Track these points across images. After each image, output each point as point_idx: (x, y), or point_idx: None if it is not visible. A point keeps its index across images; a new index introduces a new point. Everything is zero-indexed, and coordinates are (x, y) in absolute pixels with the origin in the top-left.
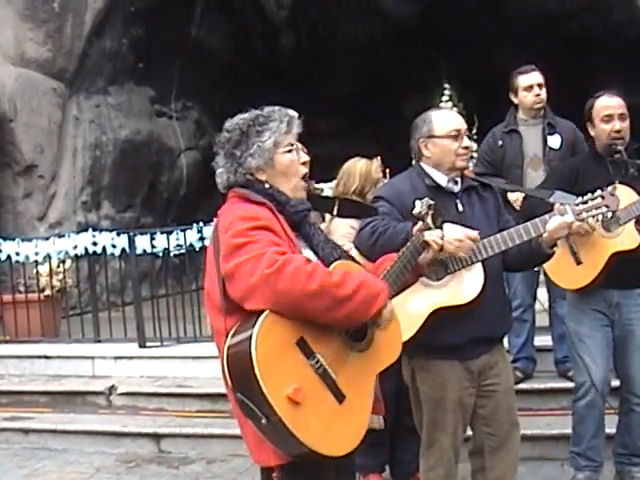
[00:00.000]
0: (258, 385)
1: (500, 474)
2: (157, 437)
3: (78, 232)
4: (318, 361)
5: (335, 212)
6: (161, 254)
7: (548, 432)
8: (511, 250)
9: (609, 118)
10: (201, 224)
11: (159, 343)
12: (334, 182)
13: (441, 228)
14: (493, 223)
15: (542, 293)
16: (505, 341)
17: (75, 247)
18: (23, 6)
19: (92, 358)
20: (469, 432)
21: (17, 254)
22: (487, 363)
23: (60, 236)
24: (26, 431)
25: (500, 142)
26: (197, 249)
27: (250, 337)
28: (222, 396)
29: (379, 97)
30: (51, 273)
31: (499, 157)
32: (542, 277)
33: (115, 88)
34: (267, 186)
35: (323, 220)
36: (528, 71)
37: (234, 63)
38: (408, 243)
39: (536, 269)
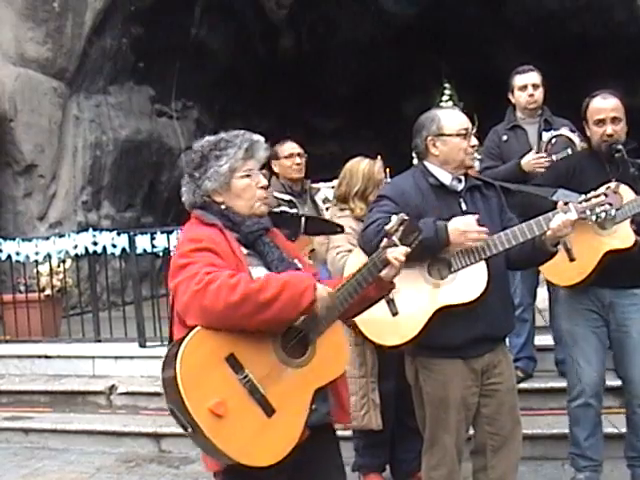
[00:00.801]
0: (181, 397)
1: (501, 473)
2: (157, 437)
3: (78, 232)
4: (247, 376)
5: (302, 230)
6: (161, 254)
7: (548, 432)
8: (514, 248)
9: (601, 122)
10: None
11: (159, 343)
12: (335, 182)
13: (411, 246)
14: (496, 222)
15: (542, 292)
16: (506, 341)
17: (75, 247)
18: (23, 6)
19: (92, 358)
20: (471, 431)
21: (17, 254)
22: (490, 362)
23: (60, 236)
24: (26, 431)
25: (505, 137)
26: None
27: (177, 352)
28: None
29: (379, 97)
30: (51, 273)
31: (506, 151)
32: (542, 276)
33: (115, 88)
34: (223, 207)
35: None
36: (525, 71)
37: (234, 63)
38: (368, 259)
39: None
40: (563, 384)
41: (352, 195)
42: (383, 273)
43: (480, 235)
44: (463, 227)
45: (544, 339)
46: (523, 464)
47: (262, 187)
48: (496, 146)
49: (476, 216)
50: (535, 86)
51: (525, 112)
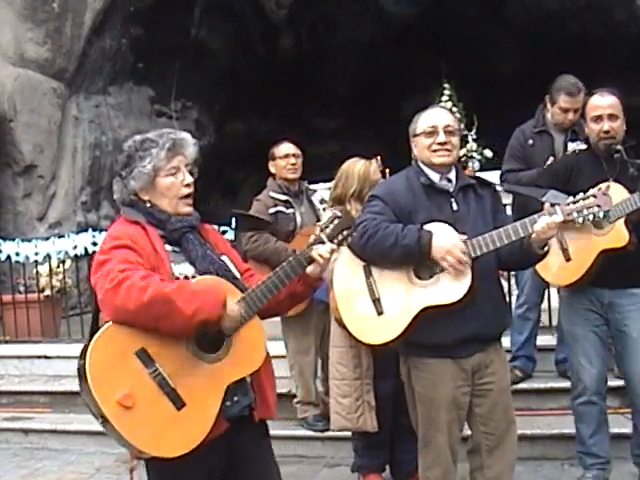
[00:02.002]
0: (89, 389)
1: (498, 472)
2: None
3: (78, 232)
4: (156, 370)
5: (233, 226)
6: None
7: (548, 432)
8: (503, 250)
9: (598, 119)
10: None
11: None
12: (332, 183)
13: (340, 243)
14: (488, 222)
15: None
16: (507, 339)
17: (75, 247)
18: (23, 6)
19: None
20: (468, 432)
21: (17, 254)
22: (482, 362)
23: (60, 236)
24: (26, 431)
25: (531, 141)
26: None
27: (87, 345)
28: None
29: (379, 97)
30: (51, 273)
31: (530, 155)
32: None
33: (115, 88)
34: (148, 205)
35: (318, 220)
36: (573, 94)
37: (234, 63)
38: (291, 256)
39: None
40: (563, 384)
41: (348, 196)
42: (309, 270)
43: (460, 266)
44: (448, 247)
45: (545, 339)
46: (522, 464)
47: (187, 185)
48: (520, 147)
49: (464, 236)
50: (576, 111)
51: (557, 124)
